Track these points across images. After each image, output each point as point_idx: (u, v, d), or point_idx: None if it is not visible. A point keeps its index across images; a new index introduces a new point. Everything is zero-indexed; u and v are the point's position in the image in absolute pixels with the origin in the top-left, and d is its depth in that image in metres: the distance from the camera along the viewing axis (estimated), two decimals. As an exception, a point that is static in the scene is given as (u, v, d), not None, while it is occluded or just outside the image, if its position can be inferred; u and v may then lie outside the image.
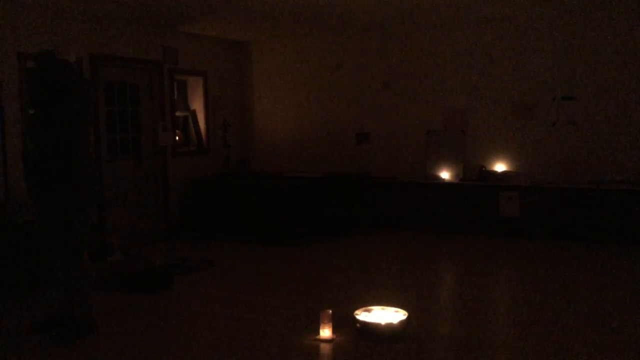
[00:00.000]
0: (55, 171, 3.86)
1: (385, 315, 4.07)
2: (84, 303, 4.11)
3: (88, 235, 4.12)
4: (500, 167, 7.46)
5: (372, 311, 4.13)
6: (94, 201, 4.13)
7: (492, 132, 7.49)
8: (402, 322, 3.97)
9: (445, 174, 7.69)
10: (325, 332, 3.93)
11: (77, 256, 4.05)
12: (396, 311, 4.11)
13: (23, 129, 3.84)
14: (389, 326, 3.93)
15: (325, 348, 3.85)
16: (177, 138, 8.00)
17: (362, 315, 4.07)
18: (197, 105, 8.49)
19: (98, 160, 6.73)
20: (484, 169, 7.45)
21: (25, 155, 4.03)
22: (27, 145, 4.00)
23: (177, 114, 8.14)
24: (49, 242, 4.07)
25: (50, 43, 6.13)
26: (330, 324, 3.93)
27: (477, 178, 7.46)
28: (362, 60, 8.22)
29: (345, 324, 4.11)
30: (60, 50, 4.06)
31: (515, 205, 7.11)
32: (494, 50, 7.41)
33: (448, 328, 4.30)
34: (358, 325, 4.01)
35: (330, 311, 3.97)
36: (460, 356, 3.71)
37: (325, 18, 7.20)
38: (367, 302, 4.36)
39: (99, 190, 4.09)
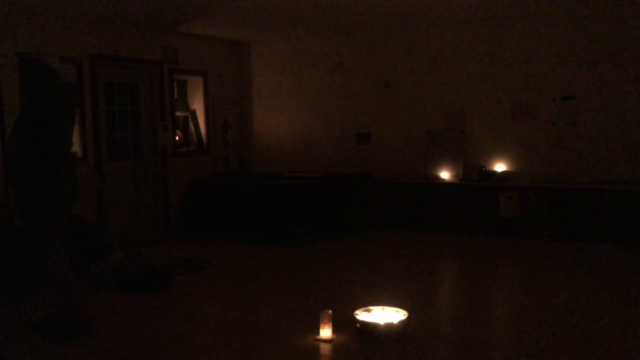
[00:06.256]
0: (35, 171, 3.90)
1: (385, 315, 4.06)
2: (68, 302, 4.11)
3: (60, 236, 4.10)
4: (500, 167, 7.46)
5: (372, 311, 4.12)
6: (69, 203, 4.16)
7: (492, 132, 7.49)
8: (402, 322, 3.97)
9: (445, 174, 7.69)
10: (325, 332, 3.93)
11: (48, 255, 4.04)
12: (396, 311, 4.11)
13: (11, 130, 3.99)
14: (389, 326, 3.93)
15: (325, 348, 3.85)
16: (177, 138, 7.99)
17: (362, 315, 4.06)
18: (197, 105, 8.49)
19: (98, 160, 6.75)
20: (484, 169, 7.45)
21: (7, 154, 4.06)
22: (11, 145, 4.04)
23: (177, 114, 8.14)
24: (26, 241, 4.11)
25: (50, 43, 6.15)
26: (330, 324, 3.94)
27: (477, 178, 7.46)
28: (362, 60, 8.22)
29: (345, 324, 4.11)
30: (44, 54, 4.15)
31: (515, 205, 7.11)
32: (494, 50, 7.41)
33: (448, 328, 4.30)
34: (358, 325, 4.01)
35: (330, 311, 3.97)
36: (461, 356, 3.71)
37: (325, 18, 7.20)
38: (367, 302, 4.36)
39: (77, 193, 4.16)
